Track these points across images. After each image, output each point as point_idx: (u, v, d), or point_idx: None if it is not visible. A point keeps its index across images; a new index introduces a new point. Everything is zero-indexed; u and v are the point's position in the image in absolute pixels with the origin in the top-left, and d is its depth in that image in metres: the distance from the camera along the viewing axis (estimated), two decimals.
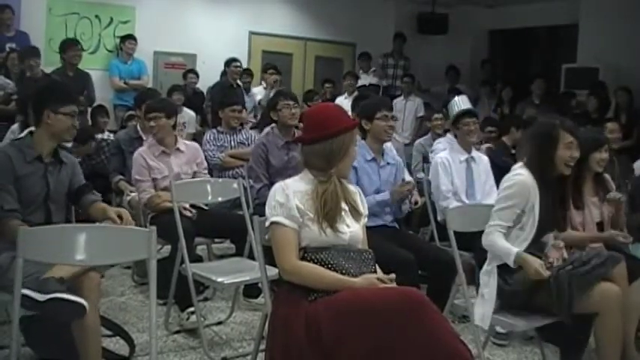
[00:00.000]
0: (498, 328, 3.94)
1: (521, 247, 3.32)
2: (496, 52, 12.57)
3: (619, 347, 3.19)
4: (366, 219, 3.05)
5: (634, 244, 4.23)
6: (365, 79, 10.76)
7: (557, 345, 3.66)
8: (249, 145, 5.93)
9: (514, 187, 3.40)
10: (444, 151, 5.00)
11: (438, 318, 2.51)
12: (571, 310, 3.13)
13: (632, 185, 4.59)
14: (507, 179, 3.48)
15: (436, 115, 7.17)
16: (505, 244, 3.33)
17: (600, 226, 4.02)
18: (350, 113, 5.82)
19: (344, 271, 2.71)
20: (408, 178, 5.07)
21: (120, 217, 3.33)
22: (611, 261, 3.24)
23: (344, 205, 2.89)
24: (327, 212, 2.79)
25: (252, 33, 10.85)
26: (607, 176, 4.12)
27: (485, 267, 3.41)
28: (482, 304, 3.33)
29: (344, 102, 9.05)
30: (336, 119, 2.89)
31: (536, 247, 3.39)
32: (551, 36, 11.66)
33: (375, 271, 2.83)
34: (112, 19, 9.66)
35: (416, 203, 5.05)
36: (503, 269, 3.32)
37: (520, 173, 3.43)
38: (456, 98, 5.08)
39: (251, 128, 7.29)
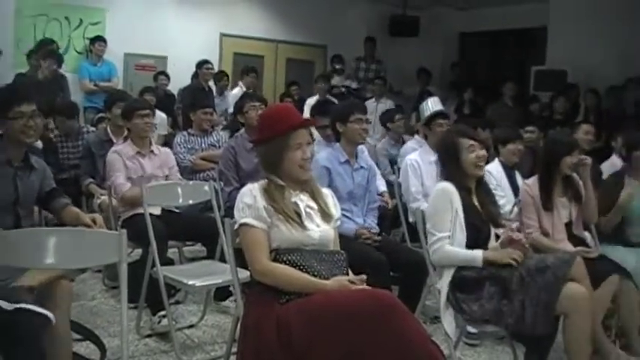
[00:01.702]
0: (470, 328, 3.96)
1: None
2: (467, 55, 12.66)
3: (588, 347, 3.21)
4: (339, 222, 3.06)
5: (603, 245, 4.28)
6: (337, 81, 10.77)
7: (527, 345, 3.69)
8: (219, 147, 5.91)
9: (435, 198, 3.45)
10: (414, 153, 5.02)
11: (410, 320, 2.51)
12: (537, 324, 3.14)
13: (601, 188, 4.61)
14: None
15: (397, 117, 7.19)
16: (463, 250, 3.31)
17: (569, 226, 4.07)
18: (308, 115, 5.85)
19: (316, 273, 2.71)
20: (381, 187, 5.10)
21: (94, 221, 3.31)
22: (566, 264, 3.21)
23: (313, 204, 2.91)
24: (282, 212, 2.79)
25: (223, 35, 10.82)
26: (576, 176, 4.15)
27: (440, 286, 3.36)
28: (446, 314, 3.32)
29: None
30: (278, 122, 2.87)
31: None
32: (521, 38, 11.77)
33: (347, 273, 2.82)
34: (81, 20, 9.56)
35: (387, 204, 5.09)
36: (451, 302, 3.30)
37: (438, 186, 3.48)
38: (428, 100, 5.12)
39: (222, 129, 7.29)
